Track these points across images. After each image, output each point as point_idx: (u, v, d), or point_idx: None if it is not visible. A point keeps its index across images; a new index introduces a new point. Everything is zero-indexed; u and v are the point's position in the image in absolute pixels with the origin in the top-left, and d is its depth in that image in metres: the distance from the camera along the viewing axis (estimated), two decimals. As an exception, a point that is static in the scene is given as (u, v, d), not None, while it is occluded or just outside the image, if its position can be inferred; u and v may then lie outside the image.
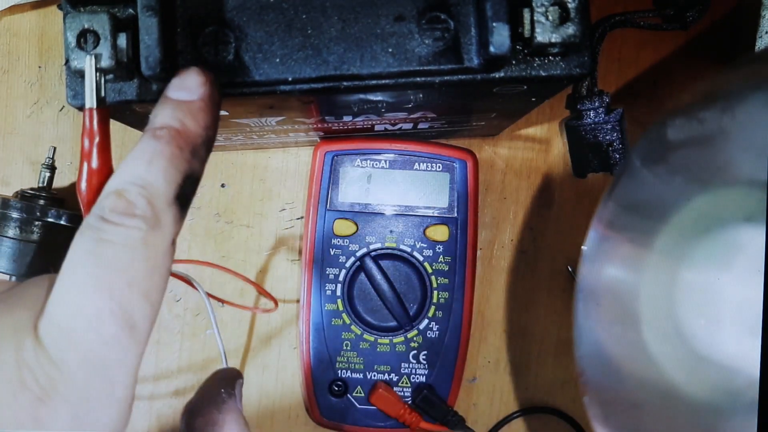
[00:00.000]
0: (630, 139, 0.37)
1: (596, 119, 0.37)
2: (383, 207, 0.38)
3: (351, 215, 0.38)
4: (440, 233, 0.37)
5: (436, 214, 0.38)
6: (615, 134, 0.37)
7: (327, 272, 0.38)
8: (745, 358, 0.26)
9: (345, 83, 0.25)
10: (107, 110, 0.27)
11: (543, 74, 0.26)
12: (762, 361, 0.25)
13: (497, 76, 0.26)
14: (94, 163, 0.27)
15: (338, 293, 0.38)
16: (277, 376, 0.41)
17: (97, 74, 0.24)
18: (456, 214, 0.38)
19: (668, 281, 0.28)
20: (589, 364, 0.30)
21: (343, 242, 0.38)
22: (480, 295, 0.40)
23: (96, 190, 0.28)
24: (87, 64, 0.24)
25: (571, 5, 0.24)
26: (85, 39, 0.24)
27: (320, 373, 0.38)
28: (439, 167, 0.38)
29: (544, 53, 0.26)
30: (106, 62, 0.24)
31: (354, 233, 0.38)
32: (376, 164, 0.38)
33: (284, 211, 0.40)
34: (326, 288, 0.38)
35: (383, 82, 0.26)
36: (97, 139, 0.27)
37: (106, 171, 0.28)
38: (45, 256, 0.37)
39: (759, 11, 0.34)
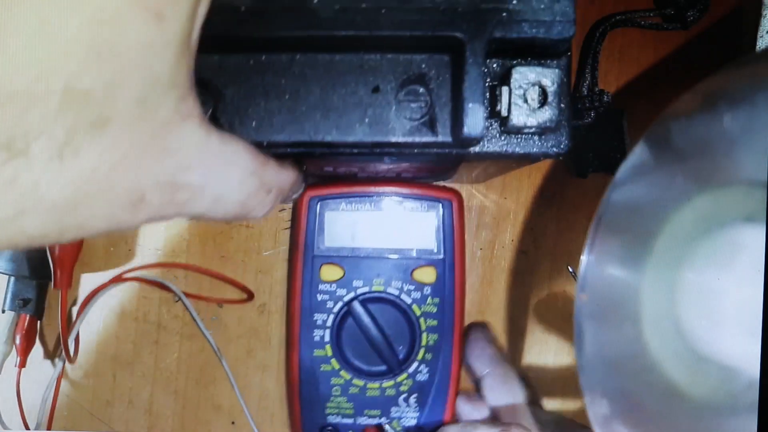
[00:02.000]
0: (630, 138, 0.37)
1: (597, 119, 0.36)
2: (370, 250, 0.37)
3: (337, 260, 0.37)
4: (428, 275, 0.37)
5: (423, 256, 0.37)
6: (615, 134, 0.36)
7: (314, 318, 0.37)
8: (746, 359, 0.26)
9: (320, 150, 0.26)
10: None
11: (518, 152, 0.26)
12: (762, 362, 0.25)
13: (472, 151, 0.26)
14: None
15: (326, 339, 0.37)
16: (277, 377, 0.41)
17: None
18: (443, 255, 0.37)
19: (669, 282, 0.28)
20: (590, 365, 0.30)
21: (330, 287, 0.37)
22: (480, 295, 0.40)
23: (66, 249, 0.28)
24: None
25: (550, 88, 0.24)
26: None
27: (310, 420, 0.37)
28: (424, 208, 0.37)
29: (520, 132, 0.26)
30: None
31: (341, 278, 0.37)
32: (361, 207, 0.37)
33: (284, 212, 0.40)
34: (314, 334, 0.37)
35: (358, 150, 0.26)
36: None
37: None
38: (42, 256, 0.37)
39: (760, 11, 0.34)
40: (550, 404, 0.41)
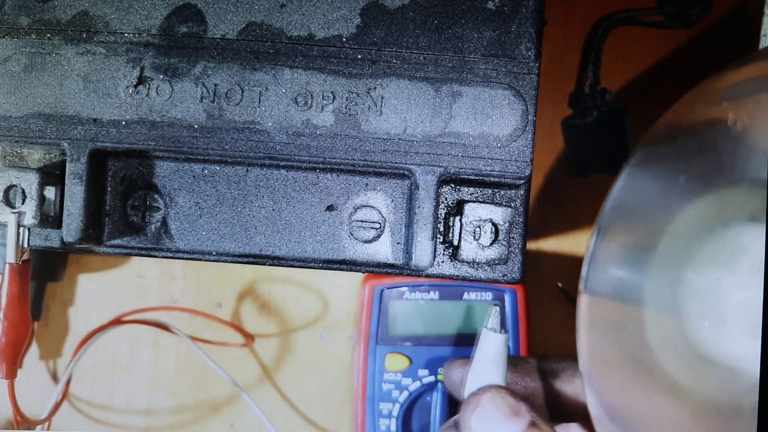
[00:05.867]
0: (633, 137, 0.37)
1: (599, 118, 0.36)
2: (435, 339, 0.37)
3: (403, 349, 0.37)
4: None
5: None
6: (618, 133, 0.36)
7: (380, 407, 0.37)
8: (749, 360, 0.26)
9: (269, 263, 0.26)
10: (28, 265, 0.28)
11: (468, 277, 0.27)
12: (762, 362, 0.25)
13: (422, 273, 0.26)
14: (11, 317, 0.29)
15: (393, 428, 0.37)
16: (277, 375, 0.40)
17: (21, 229, 0.25)
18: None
19: (672, 282, 0.28)
20: (591, 367, 0.30)
21: (396, 377, 0.37)
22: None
23: (12, 342, 0.30)
24: (10, 221, 0.24)
25: (501, 227, 0.25)
26: (13, 194, 0.24)
27: None
28: (488, 296, 0.37)
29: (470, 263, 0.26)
30: (29, 221, 0.24)
31: (407, 368, 0.37)
32: (425, 296, 0.37)
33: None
34: (380, 423, 0.37)
35: (309, 265, 0.26)
36: (15, 293, 0.28)
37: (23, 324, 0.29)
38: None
39: (762, 9, 0.34)
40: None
